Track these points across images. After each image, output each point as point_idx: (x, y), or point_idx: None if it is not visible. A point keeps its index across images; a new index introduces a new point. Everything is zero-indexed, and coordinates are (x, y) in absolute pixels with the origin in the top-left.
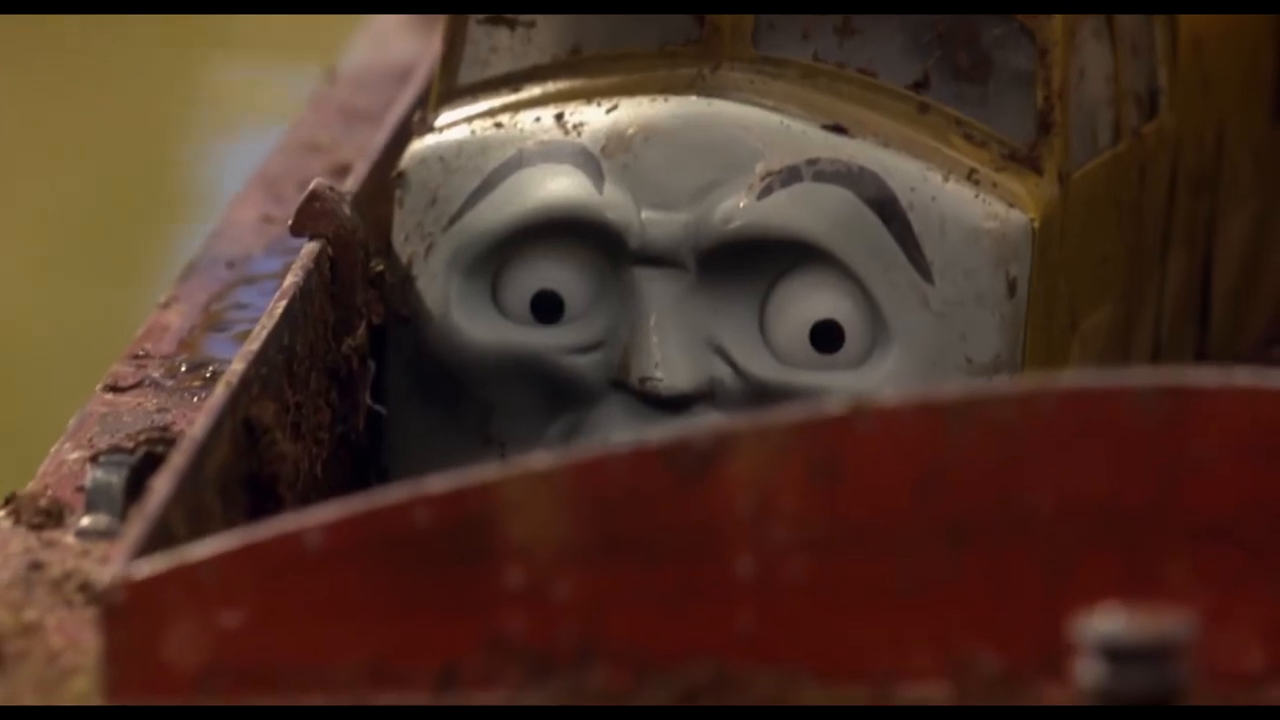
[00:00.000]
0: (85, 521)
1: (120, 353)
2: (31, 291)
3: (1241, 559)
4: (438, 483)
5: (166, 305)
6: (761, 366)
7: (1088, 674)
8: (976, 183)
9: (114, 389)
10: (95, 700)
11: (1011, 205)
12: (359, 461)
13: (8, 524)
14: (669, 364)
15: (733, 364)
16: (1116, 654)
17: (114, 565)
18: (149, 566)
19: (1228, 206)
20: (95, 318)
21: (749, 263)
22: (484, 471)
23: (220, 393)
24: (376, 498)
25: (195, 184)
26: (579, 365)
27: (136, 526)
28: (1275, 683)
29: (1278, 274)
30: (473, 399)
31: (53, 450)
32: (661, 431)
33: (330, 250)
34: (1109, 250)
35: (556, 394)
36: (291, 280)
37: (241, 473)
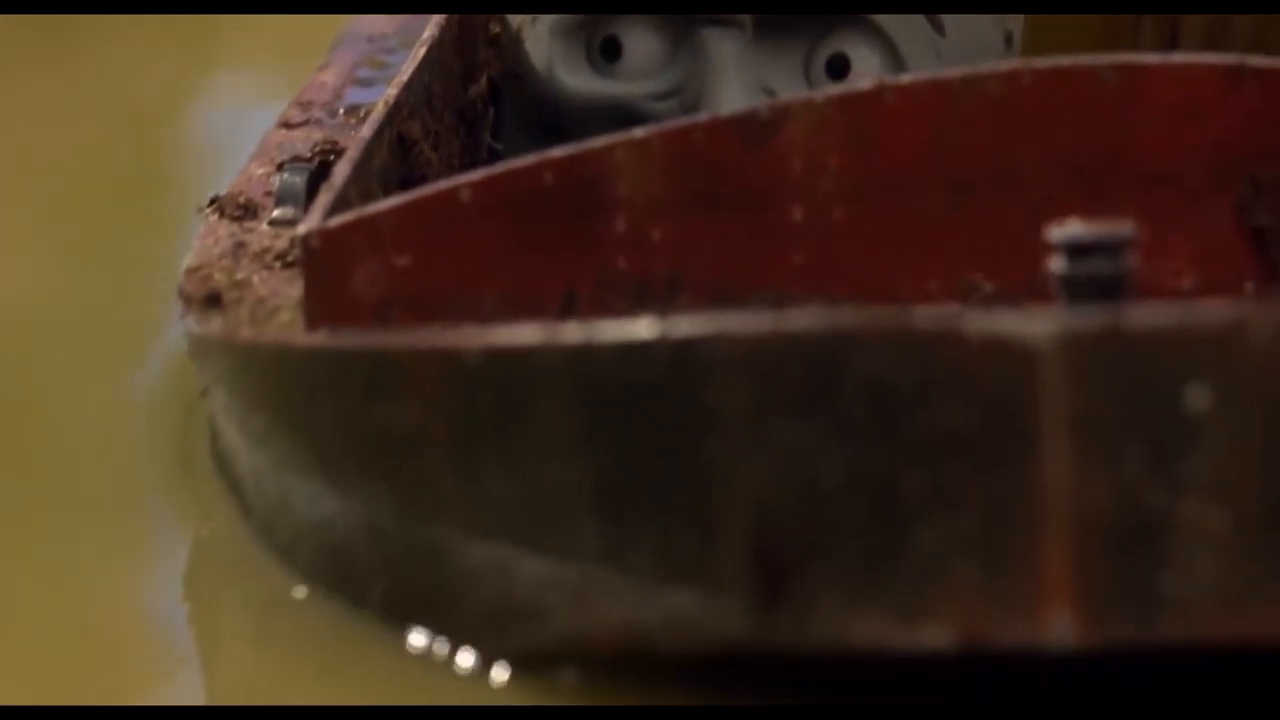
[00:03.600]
0: (275, 213)
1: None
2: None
3: (1179, 201)
4: (559, 151)
5: (323, 69)
6: None
7: (1056, 266)
8: None
9: (286, 126)
10: (297, 329)
11: None
12: None
13: (214, 217)
14: (731, 104)
15: None
16: (1077, 249)
17: (311, 220)
18: (338, 220)
19: None
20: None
21: (795, 22)
22: (595, 141)
23: (380, 109)
24: (512, 163)
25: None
26: (659, 109)
27: (326, 194)
28: (1202, 298)
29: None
30: (572, 139)
31: (241, 169)
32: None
33: (456, 15)
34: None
35: None
36: (428, 34)
37: (397, 175)
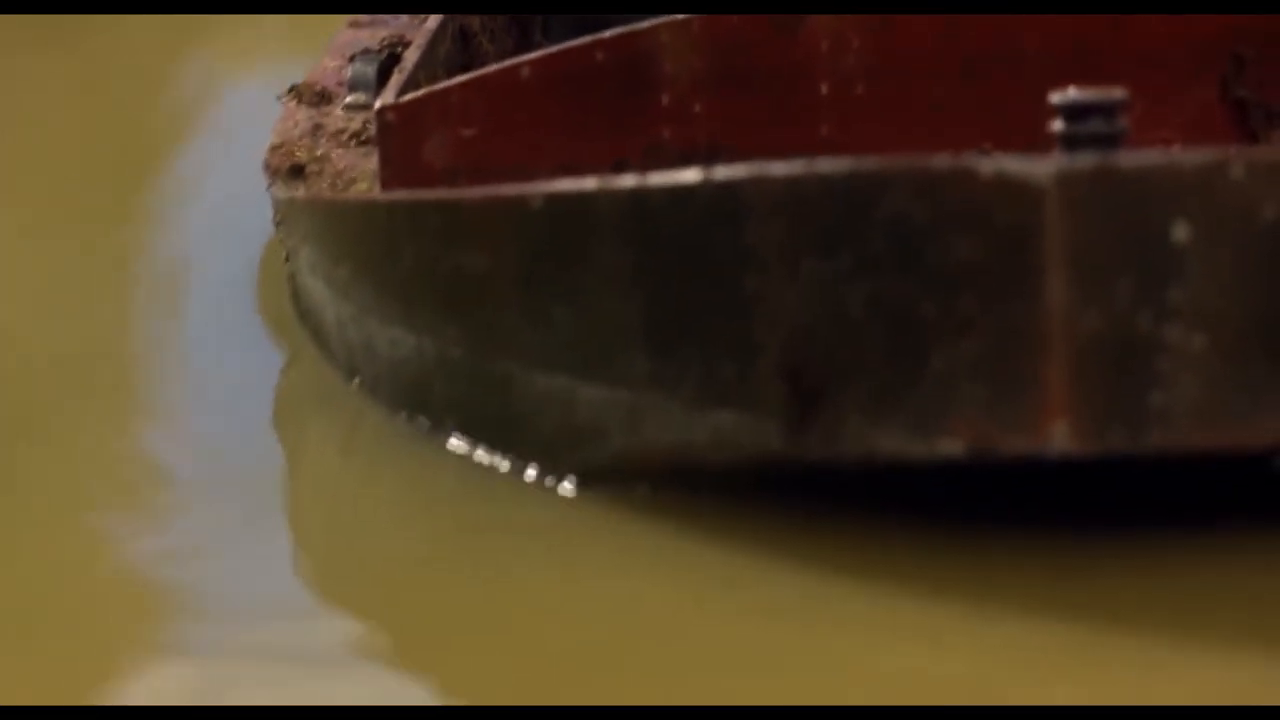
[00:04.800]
0: (349, 99)
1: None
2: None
3: (1168, 76)
4: (611, 32)
5: None
6: None
7: (1057, 126)
8: None
9: (355, 25)
10: (373, 192)
11: None
12: None
13: (293, 104)
14: None
15: None
16: (1075, 110)
17: (385, 97)
18: (410, 95)
19: None
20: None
21: None
22: (641, 23)
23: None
24: (567, 43)
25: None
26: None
27: (397, 76)
28: None
29: None
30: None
31: (317, 63)
32: None
33: None
34: None
35: None
36: None
37: (459, 63)
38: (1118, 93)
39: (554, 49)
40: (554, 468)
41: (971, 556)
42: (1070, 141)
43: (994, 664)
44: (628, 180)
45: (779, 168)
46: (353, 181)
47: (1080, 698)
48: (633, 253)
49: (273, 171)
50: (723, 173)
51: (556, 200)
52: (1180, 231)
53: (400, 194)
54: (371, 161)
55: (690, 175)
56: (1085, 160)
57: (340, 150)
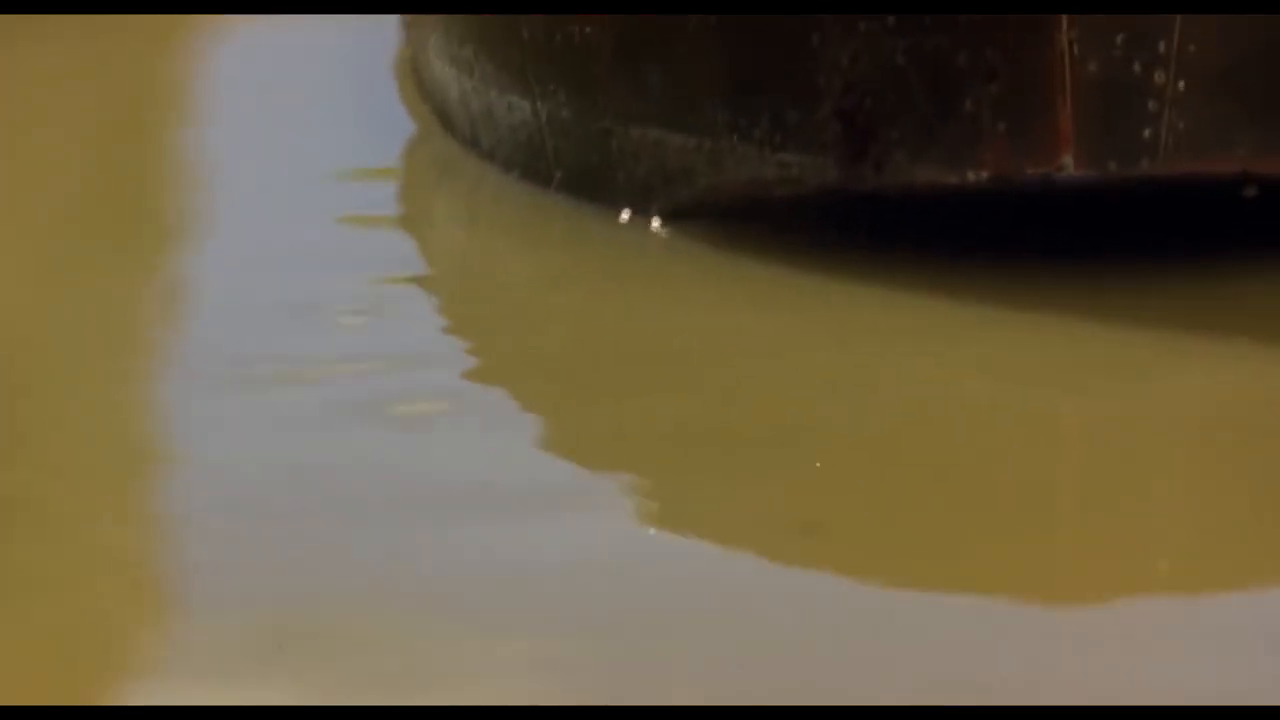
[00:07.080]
0: None
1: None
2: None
3: None
4: None
5: None
6: None
7: None
8: None
9: None
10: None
11: None
12: None
13: None
14: None
15: None
16: None
17: None
18: None
19: None
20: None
21: None
22: None
23: None
24: None
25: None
26: None
27: None
28: None
29: None
30: None
31: None
32: None
33: None
34: None
35: None
36: None
37: None
38: None
39: None
40: (647, 208)
41: (993, 282)
42: None
43: (1010, 378)
44: None
45: None
46: None
47: (1079, 402)
48: (714, 20)
49: None
50: None
51: None
52: None
53: None
54: None
55: None
56: None
57: None
